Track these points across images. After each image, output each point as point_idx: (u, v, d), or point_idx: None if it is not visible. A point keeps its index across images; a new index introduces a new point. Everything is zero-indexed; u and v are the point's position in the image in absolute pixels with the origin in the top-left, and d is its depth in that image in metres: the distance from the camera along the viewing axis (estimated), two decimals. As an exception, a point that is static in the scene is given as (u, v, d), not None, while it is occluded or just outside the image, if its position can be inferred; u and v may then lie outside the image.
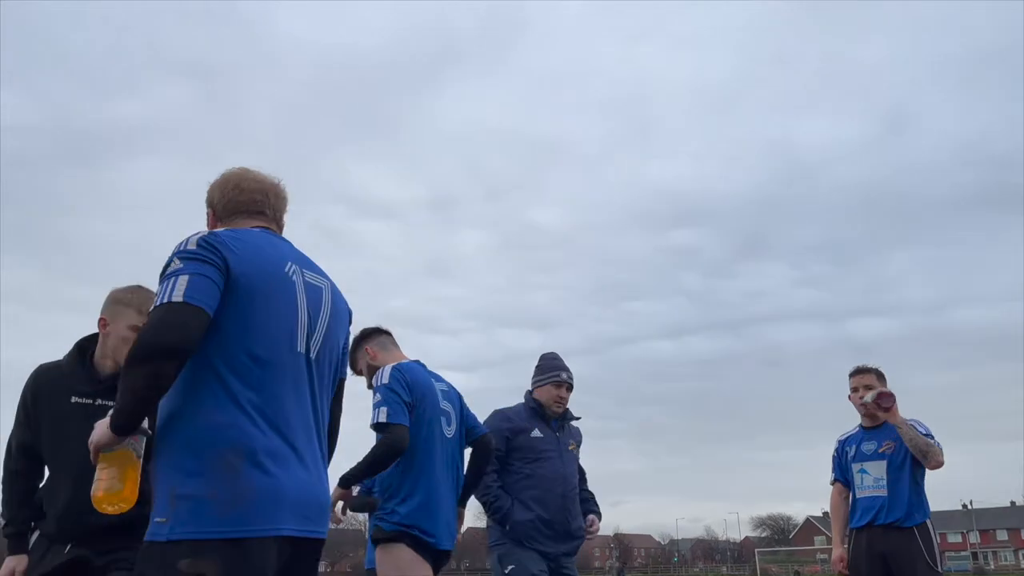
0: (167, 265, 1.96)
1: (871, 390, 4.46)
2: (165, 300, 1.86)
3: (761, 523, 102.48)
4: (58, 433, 2.75)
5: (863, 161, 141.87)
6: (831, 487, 4.72)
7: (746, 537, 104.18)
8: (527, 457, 4.21)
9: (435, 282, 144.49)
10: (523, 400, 4.47)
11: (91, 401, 2.77)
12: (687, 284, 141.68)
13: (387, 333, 3.81)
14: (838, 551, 4.60)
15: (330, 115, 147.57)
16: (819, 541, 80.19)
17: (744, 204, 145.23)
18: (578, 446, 4.51)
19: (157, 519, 1.84)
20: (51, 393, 2.79)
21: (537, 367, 4.49)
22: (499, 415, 4.31)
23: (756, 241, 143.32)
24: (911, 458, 4.33)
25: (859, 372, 4.58)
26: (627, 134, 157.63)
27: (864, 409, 4.48)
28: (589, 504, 4.55)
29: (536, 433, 4.21)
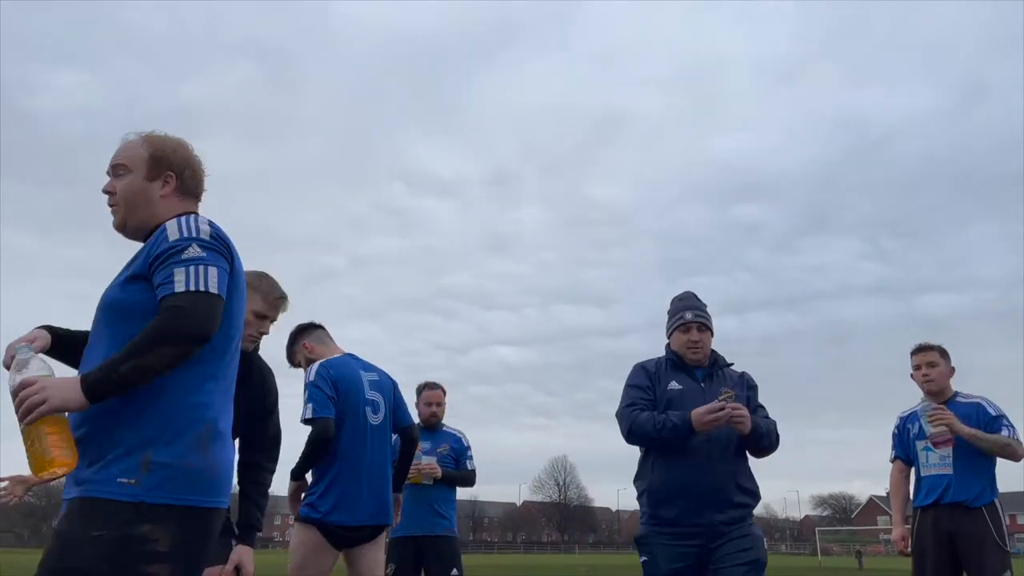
0: (183, 248, 2.03)
1: (935, 367, 4.37)
2: (201, 288, 1.98)
3: (822, 502, 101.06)
4: None
5: (934, 133, 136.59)
6: (891, 465, 4.62)
7: (806, 516, 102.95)
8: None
9: (493, 259, 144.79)
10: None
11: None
12: (750, 259, 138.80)
13: (321, 327, 4.12)
14: (899, 530, 4.52)
15: (389, 94, 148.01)
16: (882, 521, 78.63)
17: (809, 177, 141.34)
18: (743, 391, 3.63)
19: (121, 479, 1.92)
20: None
21: (667, 313, 3.90)
22: (636, 369, 3.72)
23: (821, 215, 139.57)
24: (978, 436, 4.22)
25: (921, 350, 4.47)
26: (688, 108, 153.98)
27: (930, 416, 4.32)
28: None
29: (674, 385, 3.60)
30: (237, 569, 2.96)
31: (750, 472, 3.57)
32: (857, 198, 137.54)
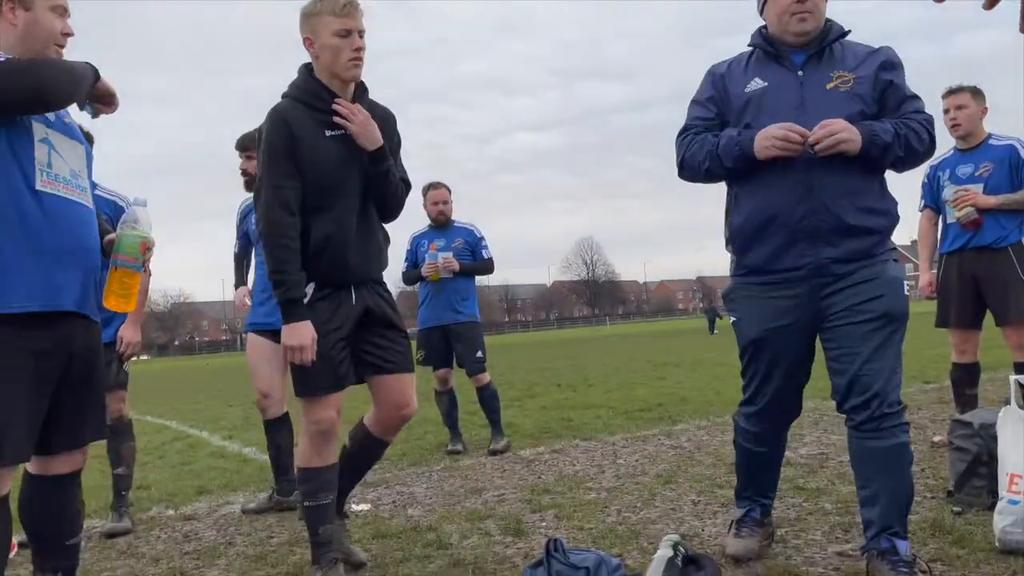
0: None
1: (963, 110, 4.21)
2: None
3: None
4: (315, 171, 2.66)
5: None
6: (919, 214, 4.61)
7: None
8: (745, 126, 2.53)
9: (508, 42, 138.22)
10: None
11: (342, 131, 2.70)
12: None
13: None
14: (926, 276, 4.59)
15: None
16: (907, 269, 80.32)
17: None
18: (871, 76, 2.50)
19: None
20: (303, 129, 2.65)
21: None
22: (704, 77, 2.72)
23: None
24: (1008, 180, 4.14)
25: (950, 93, 4.27)
26: None
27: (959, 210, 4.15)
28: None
29: (754, 85, 2.55)
30: None
31: (880, 187, 2.53)
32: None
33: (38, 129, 2.15)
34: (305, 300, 2.65)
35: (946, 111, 4.28)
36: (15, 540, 3.35)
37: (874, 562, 2.36)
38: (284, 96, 2.74)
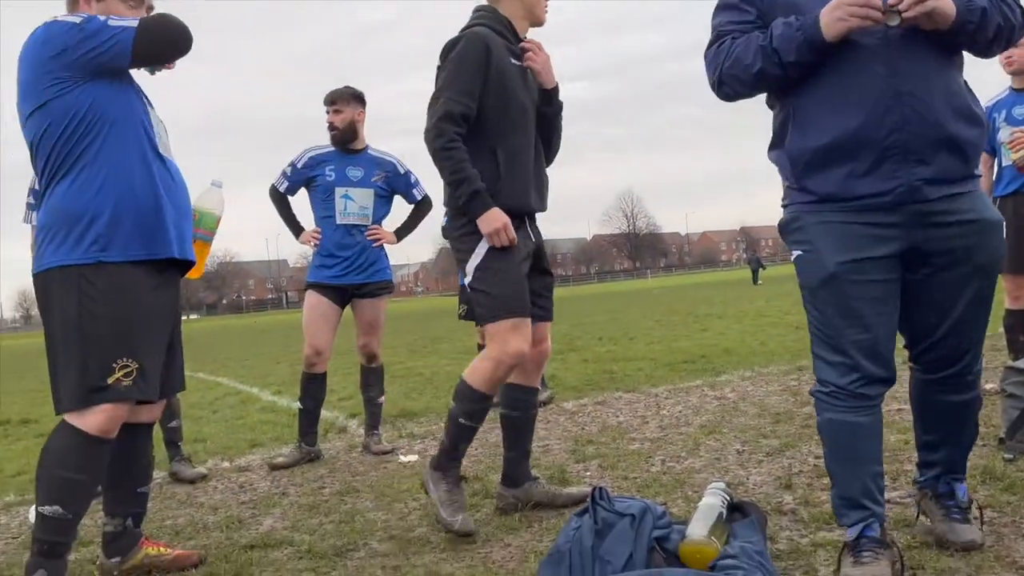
0: None
1: (1019, 47, 4.03)
2: None
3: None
4: (505, 96, 2.79)
5: None
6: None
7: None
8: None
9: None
10: None
11: (521, 63, 2.87)
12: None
13: None
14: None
15: None
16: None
17: None
18: None
19: None
20: (499, 56, 2.77)
21: None
22: None
23: None
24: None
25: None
26: None
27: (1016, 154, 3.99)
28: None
29: None
30: None
31: (965, 88, 2.07)
32: None
33: (145, 105, 2.46)
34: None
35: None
36: None
37: (928, 503, 2.32)
38: (476, 25, 2.84)
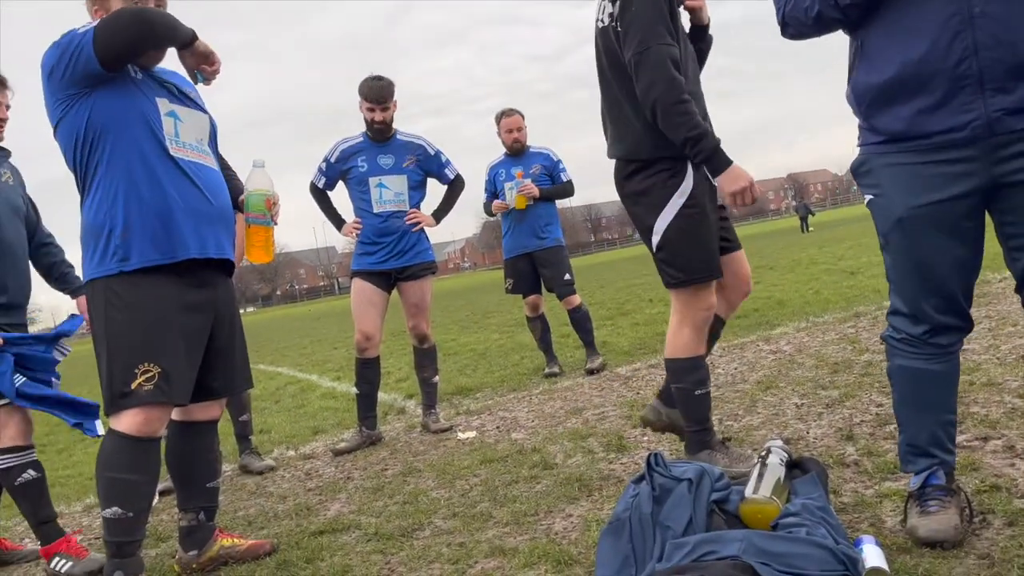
0: None
1: None
2: None
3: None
4: (680, 33, 2.63)
5: None
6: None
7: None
8: None
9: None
10: None
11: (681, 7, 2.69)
12: None
13: None
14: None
15: None
16: None
17: None
18: None
19: None
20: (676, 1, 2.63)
21: None
22: None
23: None
24: None
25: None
26: None
27: None
28: None
29: None
30: None
31: None
32: None
33: (163, 104, 2.42)
34: (689, 183, 2.60)
35: None
36: (159, 486, 3.65)
37: None
38: None
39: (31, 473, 2.93)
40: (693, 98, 2.53)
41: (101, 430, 2.88)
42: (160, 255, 2.34)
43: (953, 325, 1.98)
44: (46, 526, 2.96)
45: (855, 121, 2.06)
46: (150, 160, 2.35)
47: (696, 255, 2.64)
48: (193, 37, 2.39)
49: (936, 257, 1.93)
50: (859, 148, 2.07)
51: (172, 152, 2.40)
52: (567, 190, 5.67)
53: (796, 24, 2.02)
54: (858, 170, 2.08)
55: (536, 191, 5.39)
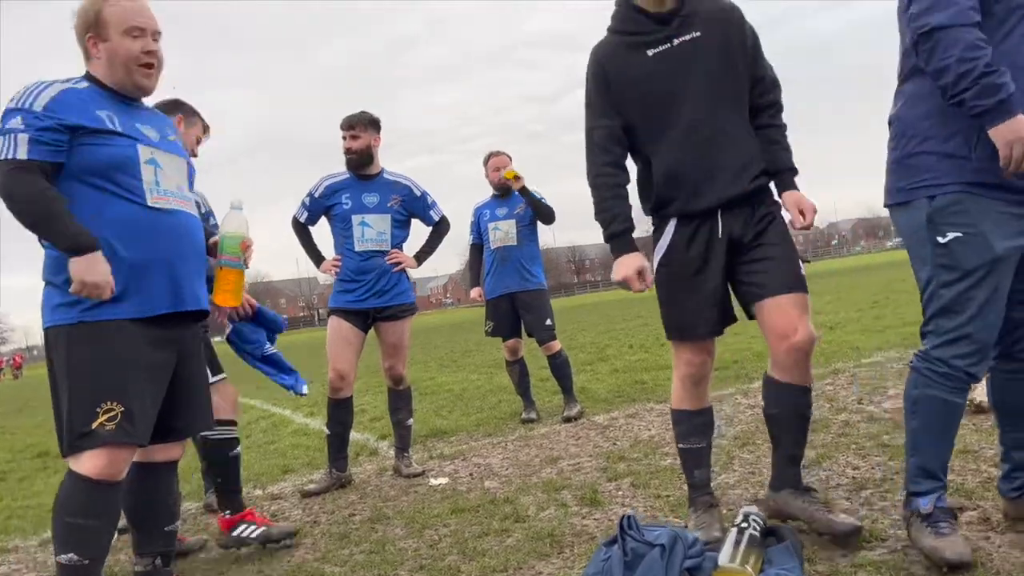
0: None
1: None
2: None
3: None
4: (639, 102, 2.53)
5: None
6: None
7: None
8: None
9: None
10: None
11: (669, 45, 2.50)
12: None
13: None
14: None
15: None
16: None
17: None
18: None
19: None
20: (617, 63, 2.54)
21: None
22: None
23: None
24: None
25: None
26: None
27: None
28: None
29: None
30: None
31: None
32: None
33: (144, 152, 2.35)
34: (665, 241, 2.61)
35: None
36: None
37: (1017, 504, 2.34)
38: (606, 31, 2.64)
39: (239, 448, 3.37)
40: (679, 146, 2.50)
41: (306, 389, 3.62)
42: (133, 311, 2.27)
43: (991, 358, 2.20)
44: (238, 497, 3.33)
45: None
46: (126, 214, 2.27)
47: (667, 313, 2.69)
48: (74, 247, 2.18)
49: (1003, 290, 2.12)
50: (945, 191, 2.11)
51: (151, 203, 2.33)
52: (550, 211, 5.53)
53: (944, 65, 2.01)
54: (946, 208, 2.11)
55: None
